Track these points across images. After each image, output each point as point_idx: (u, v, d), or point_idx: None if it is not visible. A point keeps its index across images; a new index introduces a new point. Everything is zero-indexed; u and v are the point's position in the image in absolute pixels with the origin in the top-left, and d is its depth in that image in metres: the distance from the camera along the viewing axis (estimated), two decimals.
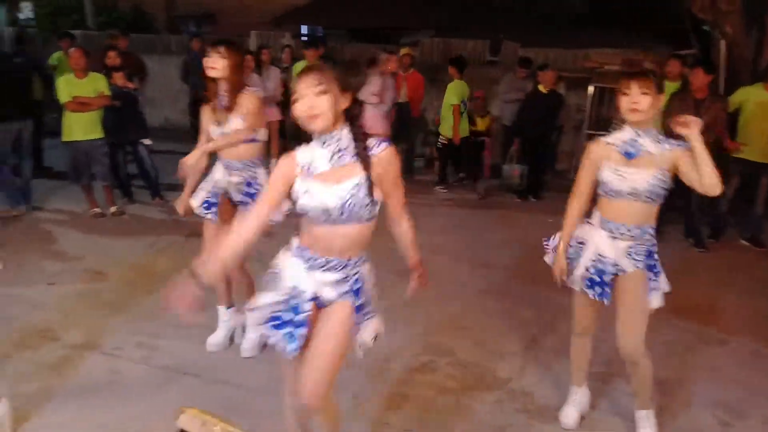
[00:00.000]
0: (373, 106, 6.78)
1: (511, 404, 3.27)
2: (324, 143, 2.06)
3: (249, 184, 3.40)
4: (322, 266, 2.15)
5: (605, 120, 7.45)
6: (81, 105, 5.86)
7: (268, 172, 3.44)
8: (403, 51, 8.37)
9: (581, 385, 3.14)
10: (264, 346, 3.68)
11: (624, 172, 2.63)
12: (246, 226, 2.13)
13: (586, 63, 8.43)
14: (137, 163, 6.67)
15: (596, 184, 2.77)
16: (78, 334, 3.84)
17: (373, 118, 6.71)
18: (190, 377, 3.40)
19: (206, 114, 3.42)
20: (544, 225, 6.44)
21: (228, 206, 3.46)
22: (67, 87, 5.86)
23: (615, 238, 2.73)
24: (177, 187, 7.00)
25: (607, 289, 2.76)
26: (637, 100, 2.56)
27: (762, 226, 6.10)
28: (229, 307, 3.73)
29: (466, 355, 3.74)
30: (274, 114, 7.74)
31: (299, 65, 7.64)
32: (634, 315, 2.73)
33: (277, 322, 2.18)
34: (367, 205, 2.06)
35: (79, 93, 5.85)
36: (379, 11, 13.31)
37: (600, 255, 2.77)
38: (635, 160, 2.63)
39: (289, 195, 2.10)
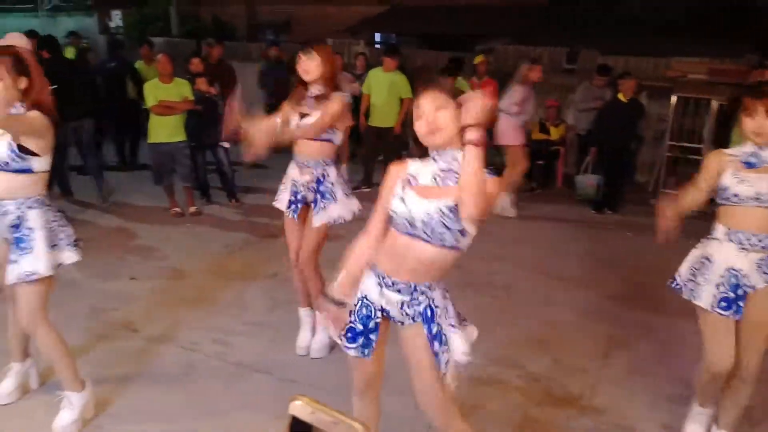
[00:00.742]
0: (512, 116, 6.61)
1: (580, 421, 3.18)
2: (435, 159, 2.06)
3: (319, 182, 3.40)
4: (389, 286, 2.15)
5: (688, 131, 7.17)
6: (166, 108, 6.13)
7: (339, 174, 3.50)
8: (478, 58, 8.31)
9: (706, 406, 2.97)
10: (332, 348, 3.74)
11: (746, 178, 2.52)
12: (367, 237, 2.21)
13: (668, 72, 8.12)
14: (216, 166, 6.91)
15: (714, 194, 2.66)
16: (157, 327, 4.00)
17: (509, 129, 6.62)
18: (261, 374, 3.48)
19: (286, 108, 3.42)
20: (622, 239, 6.31)
21: (303, 206, 3.52)
22: (153, 91, 6.15)
23: (745, 249, 2.56)
24: (252, 190, 7.32)
25: (741, 304, 2.58)
26: (762, 123, 2.44)
27: None
28: (310, 309, 3.79)
29: (537, 368, 3.66)
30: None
31: (374, 72, 7.72)
32: (761, 333, 2.60)
33: (351, 335, 2.23)
34: (453, 230, 2.00)
35: (165, 97, 6.13)
36: (454, 19, 13.29)
37: (732, 269, 2.59)
38: (756, 169, 2.52)
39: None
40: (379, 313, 2.19)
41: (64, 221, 2.91)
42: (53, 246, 2.78)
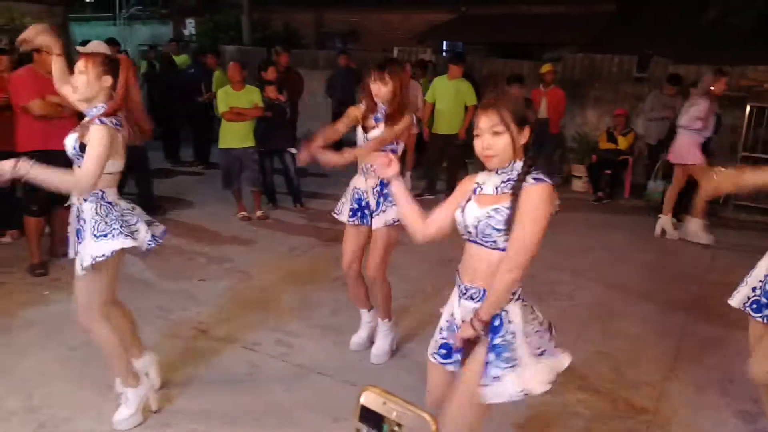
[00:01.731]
0: (694, 132, 6.08)
1: None
2: (499, 171, 2.10)
3: (382, 185, 3.45)
4: (464, 293, 2.17)
5: (763, 141, 6.87)
6: (237, 115, 6.36)
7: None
8: (545, 67, 8.23)
9: None
10: (392, 354, 3.79)
11: None
12: (429, 221, 2.26)
13: (742, 81, 7.81)
14: (283, 171, 7.09)
15: None
16: (223, 328, 4.15)
17: (691, 146, 6.11)
18: (322, 376, 3.56)
19: (354, 113, 3.52)
20: (690, 250, 6.10)
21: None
22: (225, 98, 6.39)
23: None
24: (317, 195, 7.49)
25: None
26: None
27: None
28: (369, 310, 3.87)
29: (599, 380, 3.60)
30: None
31: (439, 80, 7.76)
32: None
33: (445, 351, 2.27)
34: (499, 231, 2.03)
35: (236, 104, 6.36)
36: (521, 27, 13.17)
37: None
38: None
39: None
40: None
41: (129, 216, 2.89)
42: (100, 236, 2.74)
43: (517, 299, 2.11)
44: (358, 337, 3.90)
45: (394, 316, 3.83)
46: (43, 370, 3.47)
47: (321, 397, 3.34)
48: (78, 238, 2.81)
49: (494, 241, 2.06)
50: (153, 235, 3.00)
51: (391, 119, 3.38)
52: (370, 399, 0.82)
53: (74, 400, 3.24)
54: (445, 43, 14.90)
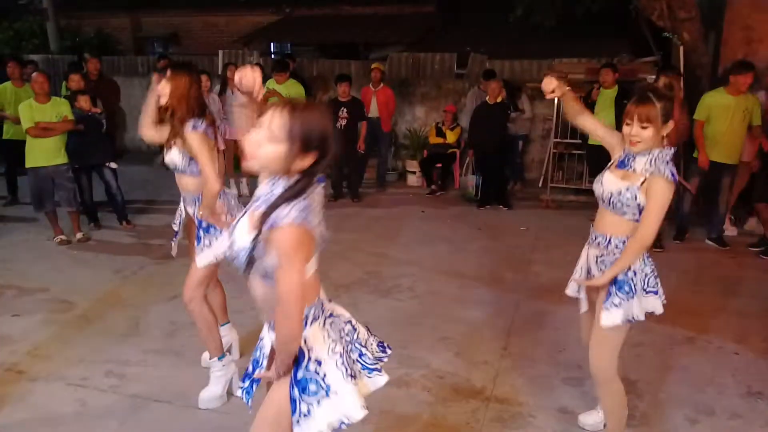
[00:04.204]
0: None
1: (486, 413, 3.26)
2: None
3: (199, 219, 3.20)
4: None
5: (572, 128, 7.55)
6: (44, 130, 5.76)
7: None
8: (373, 66, 8.42)
9: None
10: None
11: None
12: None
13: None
14: (104, 187, 6.56)
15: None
16: (44, 366, 3.73)
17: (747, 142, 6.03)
18: (160, 404, 3.32)
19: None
20: (518, 234, 6.55)
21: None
22: (29, 112, 5.76)
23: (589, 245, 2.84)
24: (145, 210, 7.03)
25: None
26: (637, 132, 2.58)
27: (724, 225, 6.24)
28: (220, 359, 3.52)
29: (442, 365, 3.72)
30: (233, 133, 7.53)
31: (270, 83, 7.62)
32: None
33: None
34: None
35: (42, 118, 5.76)
36: (347, 28, 13.38)
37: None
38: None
39: None
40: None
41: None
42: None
43: (312, 322, 1.92)
44: (209, 392, 3.37)
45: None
46: None
47: (161, 427, 3.12)
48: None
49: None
50: None
51: (175, 134, 3.11)
52: None
53: None
54: (273, 44, 14.73)
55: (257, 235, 1.79)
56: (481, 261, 5.65)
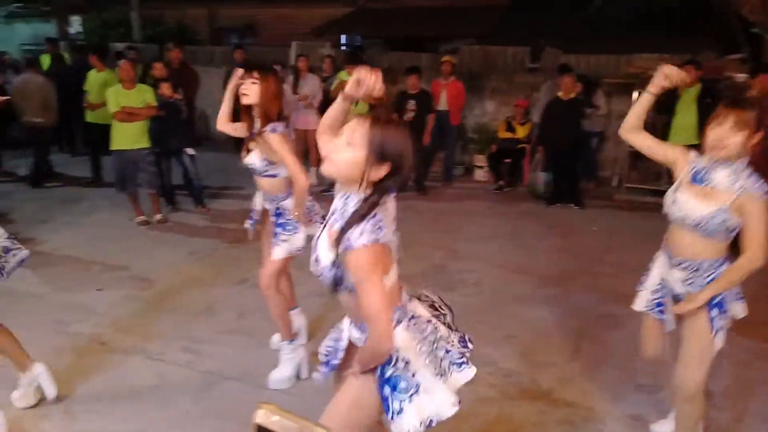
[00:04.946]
0: None
1: (553, 415, 3.21)
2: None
3: (277, 215, 3.33)
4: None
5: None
6: (129, 115, 6.03)
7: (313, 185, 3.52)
8: (444, 59, 8.37)
9: None
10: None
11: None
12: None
13: (629, 69, 8.28)
14: (182, 172, 6.82)
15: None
16: (124, 338, 3.93)
17: None
18: (232, 381, 3.44)
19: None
20: (588, 235, 6.40)
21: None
22: (115, 98, 6.04)
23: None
24: (219, 195, 7.25)
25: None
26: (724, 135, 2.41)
27: None
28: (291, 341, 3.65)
29: (508, 364, 3.69)
30: (312, 122, 7.72)
31: (341, 75, 7.71)
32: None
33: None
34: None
35: (128, 103, 6.03)
36: (418, 21, 13.35)
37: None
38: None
39: None
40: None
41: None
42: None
43: (397, 324, 1.94)
44: (279, 372, 3.49)
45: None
46: None
47: (232, 404, 3.22)
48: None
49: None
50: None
51: (261, 137, 3.17)
52: (262, 417, 0.77)
53: None
54: (343, 37, 14.87)
55: (336, 257, 1.85)
56: (551, 260, 5.56)
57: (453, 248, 5.76)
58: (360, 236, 1.78)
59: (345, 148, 1.84)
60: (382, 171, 1.83)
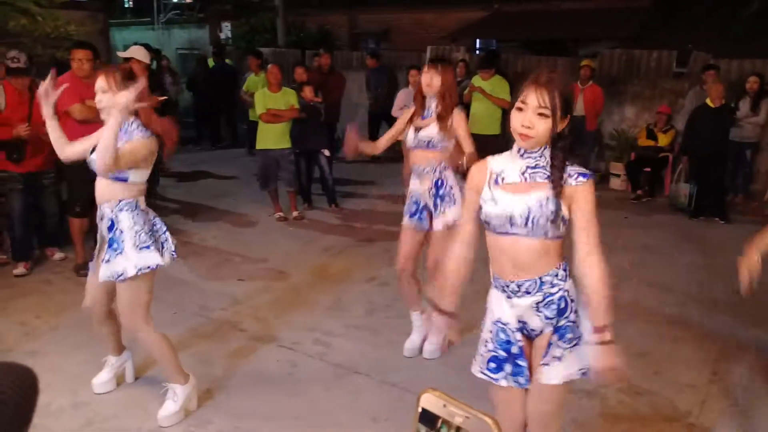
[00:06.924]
0: None
1: None
2: (522, 155, 2.01)
3: (438, 186, 3.55)
4: (517, 291, 2.04)
5: None
6: (274, 117, 6.43)
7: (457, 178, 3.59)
8: (583, 63, 8.12)
9: None
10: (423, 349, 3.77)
11: None
12: (457, 242, 2.20)
13: None
14: (319, 172, 7.14)
15: None
16: (261, 327, 4.20)
17: None
18: (360, 376, 3.58)
19: (400, 125, 3.72)
20: (734, 251, 5.91)
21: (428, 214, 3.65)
22: (262, 100, 6.47)
23: None
24: (352, 195, 7.52)
25: None
26: None
27: None
28: (421, 313, 3.83)
29: (639, 381, 3.53)
30: None
31: (475, 80, 7.72)
32: None
33: (494, 365, 2.09)
34: (554, 221, 1.94)
35: (273, 106, 6.43)
36: (556, 23, 12.99)
37: None
38: None
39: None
40: (518, 335, 2.07)
41: (159, 225, 3.06)
42: (142, 248, 2.89)
43: (568, 277, 2.10)
44: (411, 342, 3.84)
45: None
46: (89, 368, 3.55)
47: (359, 398, 3.36)
48: (111, 247, 2.89)
49: (546, 231, 1.96)
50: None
51: (442, 117, 3.50)
52: (430, 402, 0.82)
53: (120, 398, 3.32)
54: (478, 41, 14.79)
55: (557, 195, 1.96)
56: (691, 276, 5.23)
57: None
58: (575, 175, 1.98)
59: (538, 120, 1.94)
60: (566, 121, 2.00)
